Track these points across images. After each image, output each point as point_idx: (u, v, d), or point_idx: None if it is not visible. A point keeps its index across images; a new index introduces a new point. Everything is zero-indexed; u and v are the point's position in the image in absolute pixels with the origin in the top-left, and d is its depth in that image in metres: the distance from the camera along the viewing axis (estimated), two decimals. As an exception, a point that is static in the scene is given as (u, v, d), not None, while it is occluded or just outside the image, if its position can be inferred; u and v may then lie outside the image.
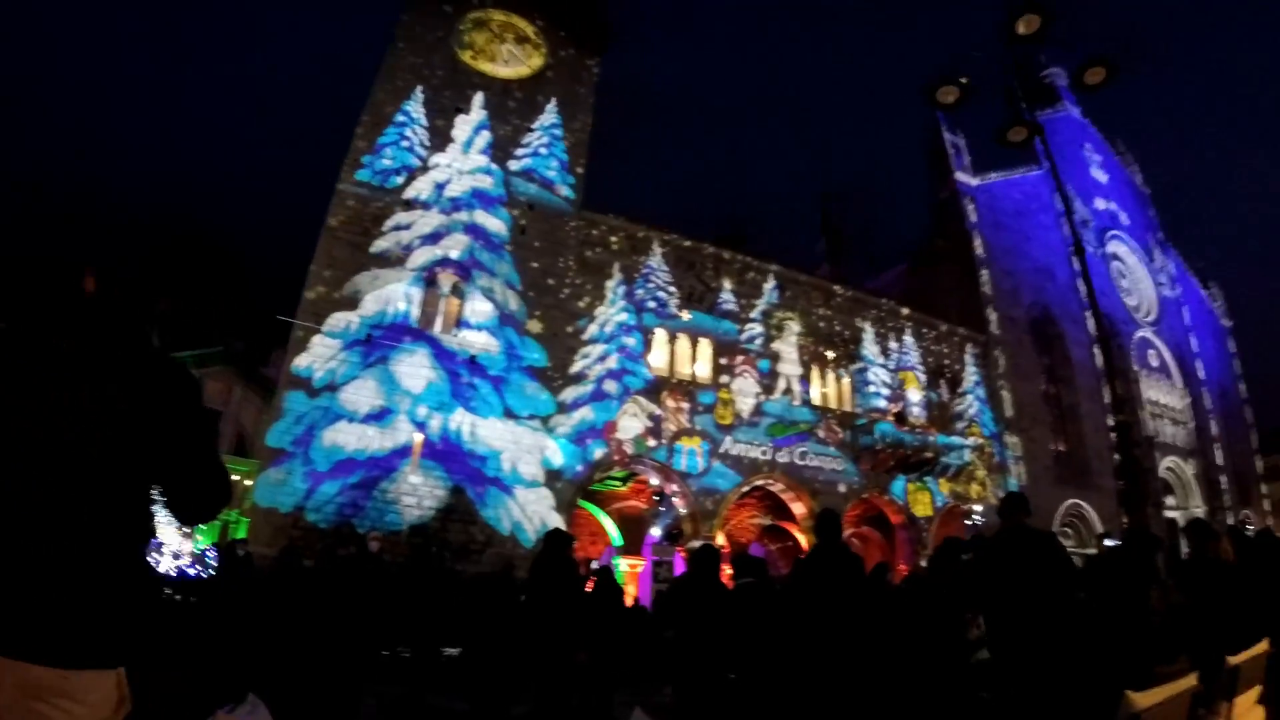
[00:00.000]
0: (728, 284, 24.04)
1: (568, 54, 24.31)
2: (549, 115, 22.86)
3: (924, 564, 17.24)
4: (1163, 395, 38.21)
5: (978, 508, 26.99)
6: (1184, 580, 6.24)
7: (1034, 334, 32.86)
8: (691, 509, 21.26)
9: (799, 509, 23.36)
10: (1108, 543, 20.86)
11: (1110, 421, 29.63)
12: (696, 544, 19.86)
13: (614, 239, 22.69)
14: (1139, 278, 41.27)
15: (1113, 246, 40.18)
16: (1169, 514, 34.04)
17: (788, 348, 24.31)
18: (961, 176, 33.27)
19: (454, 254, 19.60)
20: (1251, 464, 43.89)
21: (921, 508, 25.69)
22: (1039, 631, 4.85)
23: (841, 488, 24.00)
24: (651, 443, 20.90)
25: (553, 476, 19.22)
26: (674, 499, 21.58)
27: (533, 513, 18.49)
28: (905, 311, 28.36)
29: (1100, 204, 40.60)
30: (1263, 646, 5.46)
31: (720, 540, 23.25)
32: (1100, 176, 42.23)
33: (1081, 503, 30.51)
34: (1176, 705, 4.26)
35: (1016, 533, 5.50)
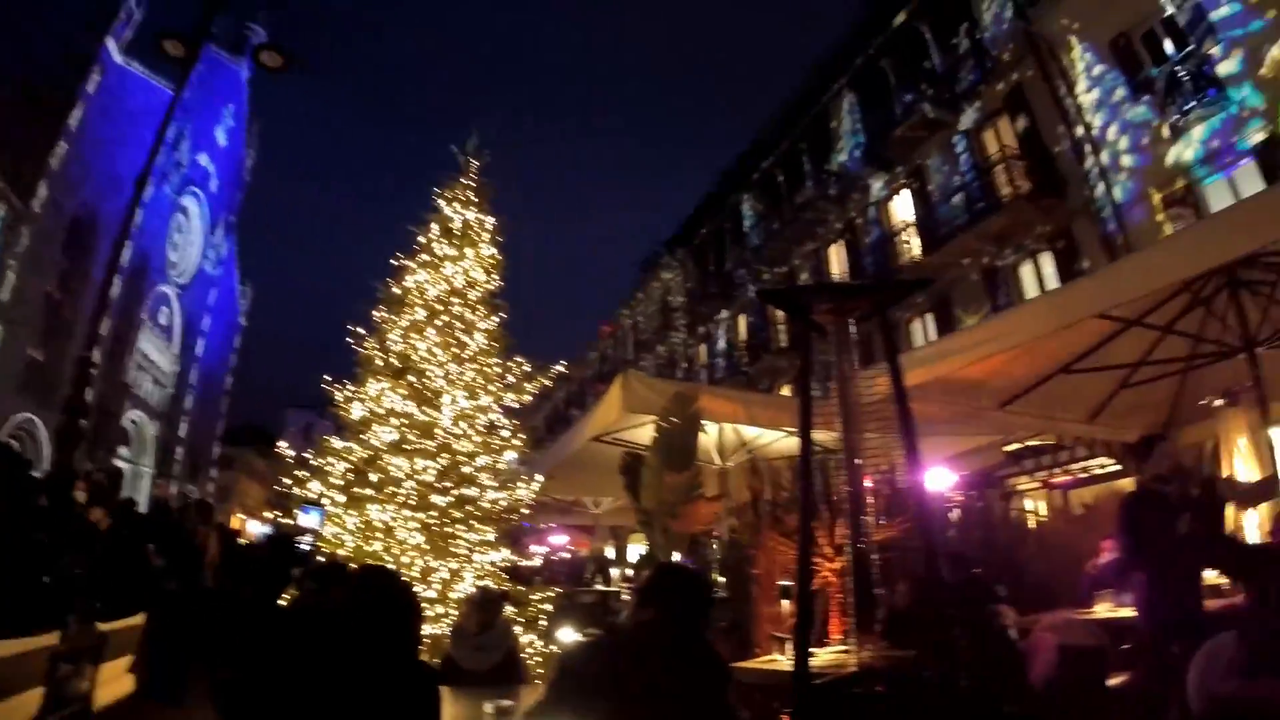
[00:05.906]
0: None
1: None
2: None
3: None
4: (156, 353, 38.65)
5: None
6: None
7: (71, 232, 29.33)
8: None
9: None
10: None
11: (94, 356, 28.12)
12: None
13: None
14: (193, 241, 41.95)
15: (188, 201, 40.18)
16: (119, 463, 33.33)
17: None
18: (111, 44, 29.04)
19: None
20: (210, 447, 47.83)
21: None
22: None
23: None
24: None
25: None
26: None
27: None
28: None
29: (203, 160, 40.63)
30: (138, 620, 5.87)
31: None
32: (221, 139, 42.66)
33: (37, 420, 27.62)
34: (34, 660, 4.19)
35: None
